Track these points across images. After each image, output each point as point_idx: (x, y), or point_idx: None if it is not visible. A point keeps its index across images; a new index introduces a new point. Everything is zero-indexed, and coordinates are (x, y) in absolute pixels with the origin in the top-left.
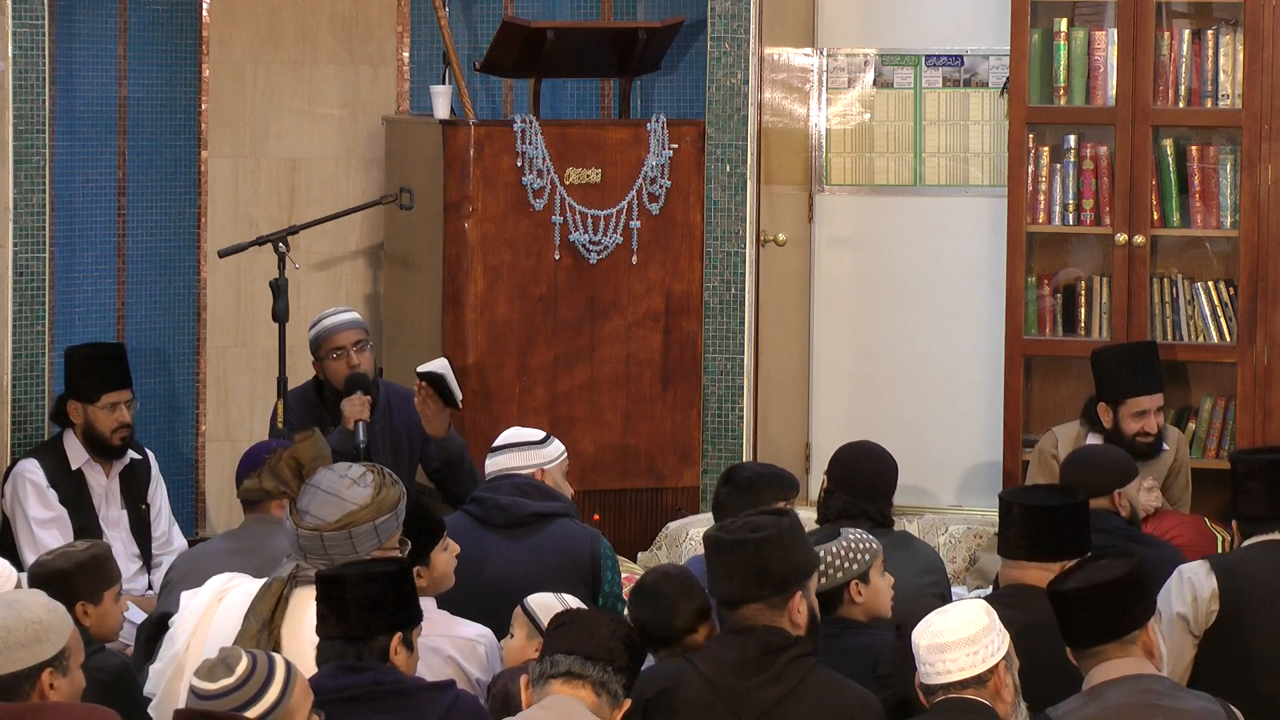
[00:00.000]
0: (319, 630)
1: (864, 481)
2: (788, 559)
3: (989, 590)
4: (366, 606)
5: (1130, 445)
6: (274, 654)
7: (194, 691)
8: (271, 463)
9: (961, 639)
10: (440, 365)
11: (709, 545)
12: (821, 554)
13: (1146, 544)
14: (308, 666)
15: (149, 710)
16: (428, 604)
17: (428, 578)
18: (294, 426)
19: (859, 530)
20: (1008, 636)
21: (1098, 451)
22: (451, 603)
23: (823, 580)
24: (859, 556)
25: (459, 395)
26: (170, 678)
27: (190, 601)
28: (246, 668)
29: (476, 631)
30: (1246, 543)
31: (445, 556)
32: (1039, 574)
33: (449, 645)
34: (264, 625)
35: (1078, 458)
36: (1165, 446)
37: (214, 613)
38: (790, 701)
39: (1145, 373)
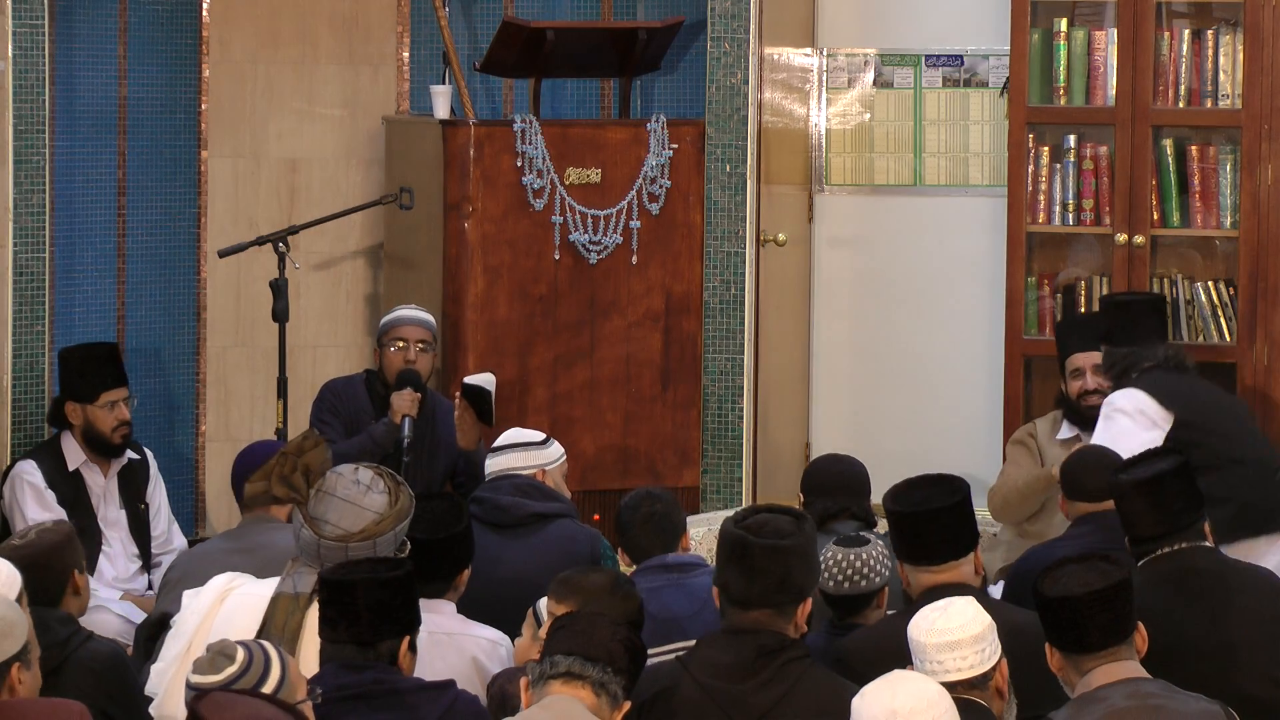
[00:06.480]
0: (324, 634)
1: (836, 480)
2: (808, 568)
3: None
4: (378, 611)
5: (1079, 409)
6: (263, 642)
7: (193, 687)
8: (283, 470)
9: (971, 636)
10: (486, 380)
11: (733, 544)
12: (865, 555)
13: None
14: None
15: (150, 710)
16: (448, 608)
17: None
18: (324, 422)
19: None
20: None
21: (1097, 453)
22: None
23: (862, 584)
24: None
25: (493, 413)
26: (173, 676)
27: (193, 601)
28: (245, 657)
29: (497, 635)
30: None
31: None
32: (952, 573)
33: (473, 646)
34: (292, 640)
35: (1075, 461)
36: None
37: (217, 613)
38: (786, 704)
39: (1081, 332)
